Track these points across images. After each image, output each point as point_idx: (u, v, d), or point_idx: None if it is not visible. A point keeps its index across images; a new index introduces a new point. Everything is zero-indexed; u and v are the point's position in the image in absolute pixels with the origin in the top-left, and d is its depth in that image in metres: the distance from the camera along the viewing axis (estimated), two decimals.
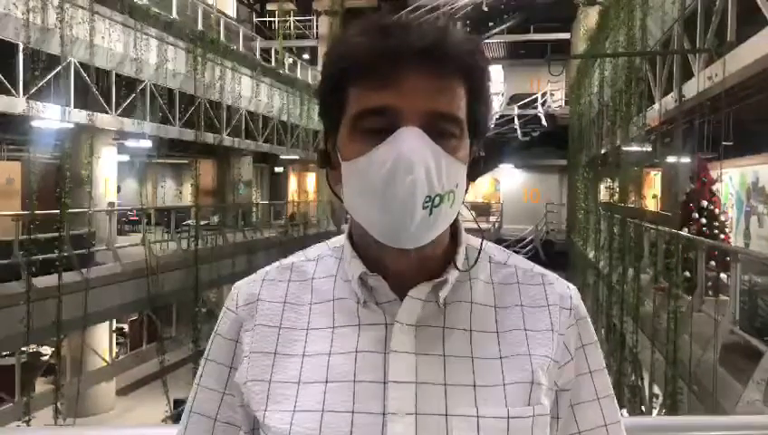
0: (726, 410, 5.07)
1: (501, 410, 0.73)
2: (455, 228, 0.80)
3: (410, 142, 0.69)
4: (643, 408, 8.30)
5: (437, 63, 0.71)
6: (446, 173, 0.70)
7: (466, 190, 0.77)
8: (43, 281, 8.61)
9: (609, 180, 11.60)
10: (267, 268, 0.85)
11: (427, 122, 0.70)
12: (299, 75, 19.84)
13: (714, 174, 9.22)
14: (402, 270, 0.75)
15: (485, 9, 19.90)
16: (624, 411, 8.18)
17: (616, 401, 0.84)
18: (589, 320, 0.83)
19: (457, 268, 0.77)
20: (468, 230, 0.82)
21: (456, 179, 0.72)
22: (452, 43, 0.72)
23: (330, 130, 0.78)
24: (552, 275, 0.83)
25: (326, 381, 0.74)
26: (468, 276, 0.79)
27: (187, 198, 13.69)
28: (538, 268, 0.84)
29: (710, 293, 7.27)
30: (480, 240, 0.83)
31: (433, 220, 0.71)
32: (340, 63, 0.74)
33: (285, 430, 0.72)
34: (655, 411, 7.75)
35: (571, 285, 0.83)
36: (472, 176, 0.77)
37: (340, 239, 0.83)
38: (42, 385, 10.49)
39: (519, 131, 20.95)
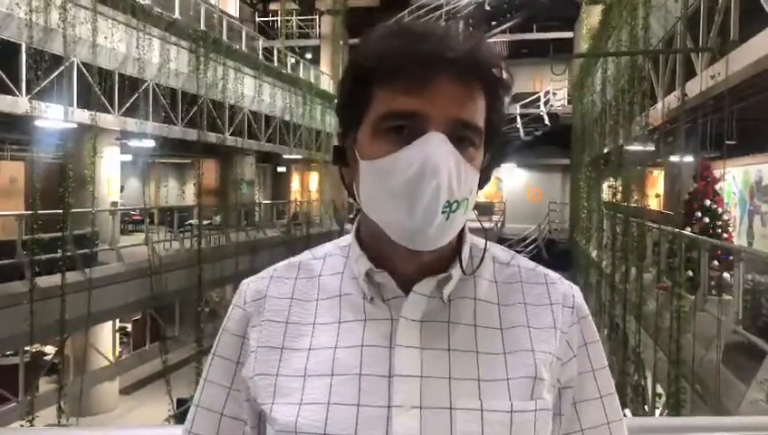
0: (730, 410, 5.07)
1: (504, 403, 0.74)
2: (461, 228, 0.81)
3: (437, 147, 0.70)
4: (646, 408, 8.30)
5: (466, 73, 0.73)
6: (464, 180, 0.72)
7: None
8: (46, 280, 8.62)
9: (611, 179, 11.58)
10: (275, 266, 0.86)
11: (451, 129, 0.72)
12: (301, 75, 19.84)
13: (717, 173, 9.20)
14: (411, 269, 0.77)
15: (488, 8, 19.90)
16: (627, 411, 8.18)
17: (618, 400, 0.85)
18: (591, 319, 0.84)
19: (461, 267, 0.79)
20: (472, 230, 0.84)
21: (472, 186, 0.74)
22: (481, 56, 0.74)
23: (348, 128, 0.79)
24: (554, 275, 0.85)
25: (332, 375, 0.75)
26: (473, 274, 0.81)
27: (190, 198, 13.69)
28: (541, 268, 0.85)
29: (713, 292, 7.26)
30: (484, 240, 0.84)
31: (448, 225, 0.72)
32: (369, 63, 0.74)
33: (292, 422, 0.73)
34: (658, 411, 7.74)
35: (574, 285, 0.85)
36: (480, 183, 0.79)
37: (347, 239, 0.84)
38: (45, 384, 10.50)
39: (522, 130, 20.96)
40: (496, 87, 0.76)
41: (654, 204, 14.43)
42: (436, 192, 0.69)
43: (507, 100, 0.79)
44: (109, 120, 10.99)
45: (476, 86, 0.74)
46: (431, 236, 0.72)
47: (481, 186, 0.79)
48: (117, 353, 12.89)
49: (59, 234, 9.01)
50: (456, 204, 0.71)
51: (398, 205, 0.71)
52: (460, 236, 0.81)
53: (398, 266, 0.77)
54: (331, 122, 20.33)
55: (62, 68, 9.52)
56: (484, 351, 0.76)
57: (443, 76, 0.72)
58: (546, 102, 21.96)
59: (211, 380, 0.84)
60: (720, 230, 8.99)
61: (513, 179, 25.34)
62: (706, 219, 8.96)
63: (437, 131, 0.71)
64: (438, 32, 0.74)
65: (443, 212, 0.70)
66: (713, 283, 7.36)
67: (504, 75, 0.76)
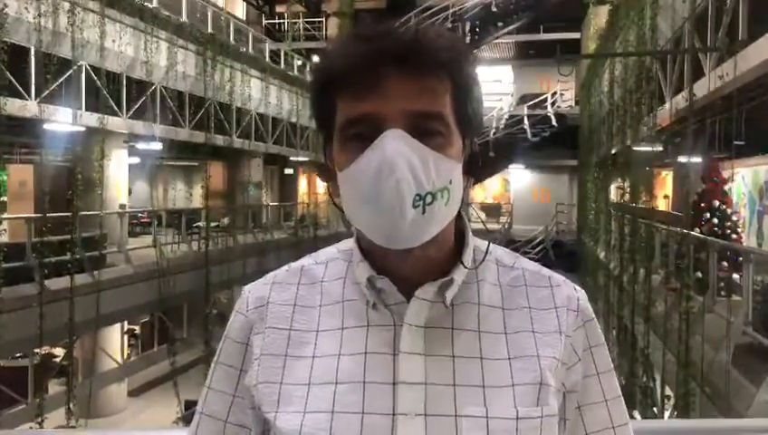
0: (740, 412, 5.03)
1: (510, 410, 0.73)
2: (461, 229, 0.80)
3: (392, 143, 0.70)
4: (655, 410, 8.25)
5: (415, 65, 0.71)
6: (434, 170, 0.71)
7: (467, 187, 0.77)
8: (55, 283, 8.67)
9: (619, 180, 11.53)
10: (277, 271, 0.85)
11: (410, 123, 0.71)
12: (308, 77, 19.85)
13: (726, 174, 9.15)
14: (406, 272, 0.75)
15: (495, 9, 19.81)
16: (636, 414, 8.14)
17: (624, 404, 0.84)
18: (596, 322, 0.83)
19: (464, 266, 0.77)
20: (476, 231, 0.82)
21: (449, 176, 0.73)
22: (427, 43, 0.72)
23: (326, 143, 0.79)
24: (559, 278, 0.83)
25: (336, 383, 0.74)
26: (476, 278, 0.80)
27: (198, 200, 13.74)
28: (545, 271, 0.84)
29: (722, 293, 7.22)
30: (487, 243, 0.83)
31: (428, 218, 0.71)
32: (324, 77, 0.75)
33: (296, 431, 0.73)
34: (667, 414, 7.70)
35: (579, 287, 0.83)
36: (473, 172, 0.77)
37: (349, 242, 0.83)
38: (54, 387, 10.55)
39: (529, 132, 20.85)
40: (455, 69, 0.74)
41: (662, 205, 14.36)
42: (399, 187, 0.68)
43: (477, 77, 0.76)
44: (117, 123, 11.04)
45: (431, 73, 0.72)
46: (408, 232, 0.70)
47: (475, 175, 0.78)
48: (125, 356, 12.93)
49: (68, 236, 9.06)
50: (430, 196, 0.70)
51: (370, 208, 0.71)
52: (461, 239, 0.80)
53: (395, 270, 0.75)
54: None
55: (71, 71, 9.56)
56: (489, 357, 0.75)
57: (391, 72, 0.71)
58: (553, 103, 21.85)
59: (215, 387, 0.83)
60: (729, 231, 8.94)
61: (520, 181, 25.27)
62: (715, 220, 8.91)
63: (395, 128, 0.70)
64: (382, 30, 0.73)
65: (415, 206, 0.69)
66: (722, 284, 7.32)
67: (462, 55, 0.75)
